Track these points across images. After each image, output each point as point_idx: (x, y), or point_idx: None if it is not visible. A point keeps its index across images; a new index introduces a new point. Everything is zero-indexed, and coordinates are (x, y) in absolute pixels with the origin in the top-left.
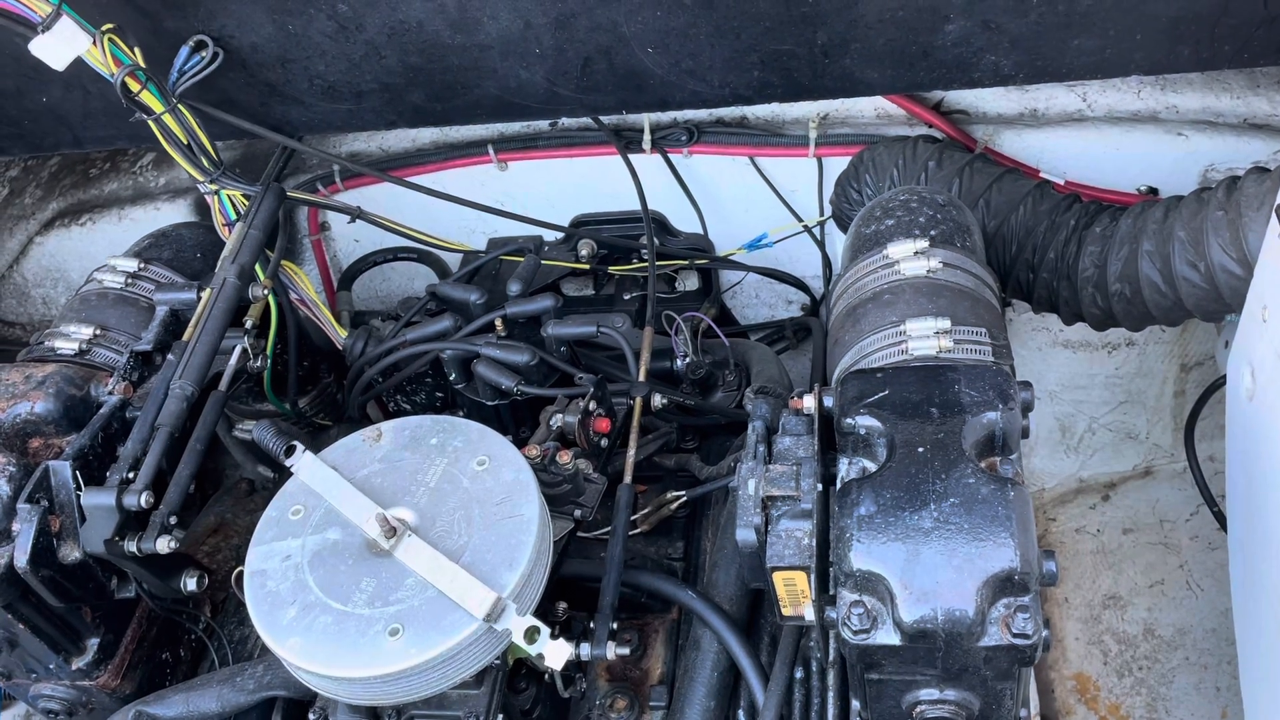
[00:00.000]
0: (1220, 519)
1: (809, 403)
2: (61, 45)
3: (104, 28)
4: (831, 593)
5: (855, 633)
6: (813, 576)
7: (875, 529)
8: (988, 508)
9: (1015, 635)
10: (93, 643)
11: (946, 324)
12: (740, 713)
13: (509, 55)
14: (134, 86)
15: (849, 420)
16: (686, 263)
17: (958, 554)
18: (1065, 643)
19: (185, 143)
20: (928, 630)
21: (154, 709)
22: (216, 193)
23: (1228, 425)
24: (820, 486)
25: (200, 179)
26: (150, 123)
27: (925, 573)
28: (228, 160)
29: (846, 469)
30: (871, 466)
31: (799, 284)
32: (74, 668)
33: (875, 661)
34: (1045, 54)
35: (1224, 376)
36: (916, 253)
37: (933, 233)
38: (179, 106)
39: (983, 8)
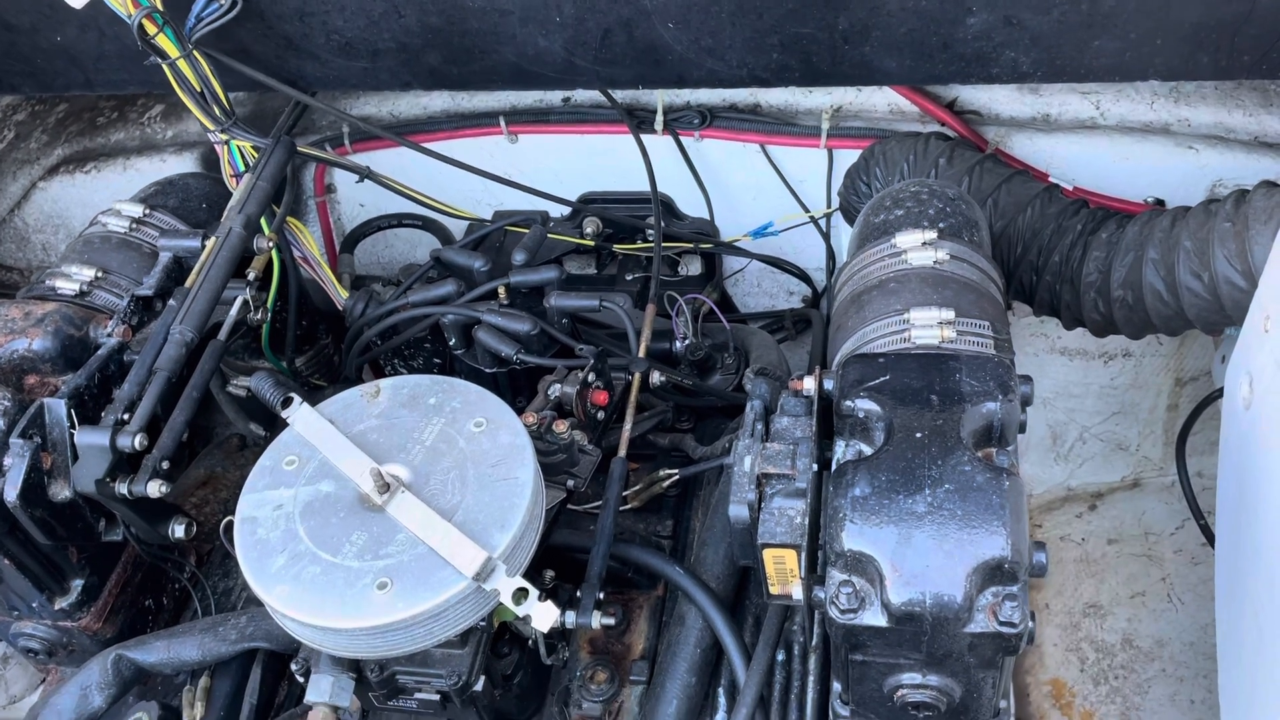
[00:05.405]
0: (1207, 533)
1: (809, 384)
2: None
3: None
4: (821, 574)
5: (843, 612)
6: (803, 556)
7: (869, 510)
8: (982, 495)
9: (1002, 623)
10: (77, 584)
11: (950, 315)
12: (720, 691)
13: (529, 22)
14: (150, 29)
15: (848, 403)
16: (691, 246)
17: (949, 539)
18: (1043, 648)
19: (198, 90)
20: (915, 613)
21: (134, 653)
22: (226, 143)
23: (1222, 435)
24: (815, 467)
25: (211, 128)
26: (164, 67)
27: (916, 556)
28: (237, 115)
29: (843, 451)
30: (868, 450)
31: (802, 275)
32: (57, 608)
33: (860, 642)
34: (1065, 53)
35: (1218, 391)
36: (924, 243)
37: (941, 225)
38: (194, 53)
39: (1005, 3)
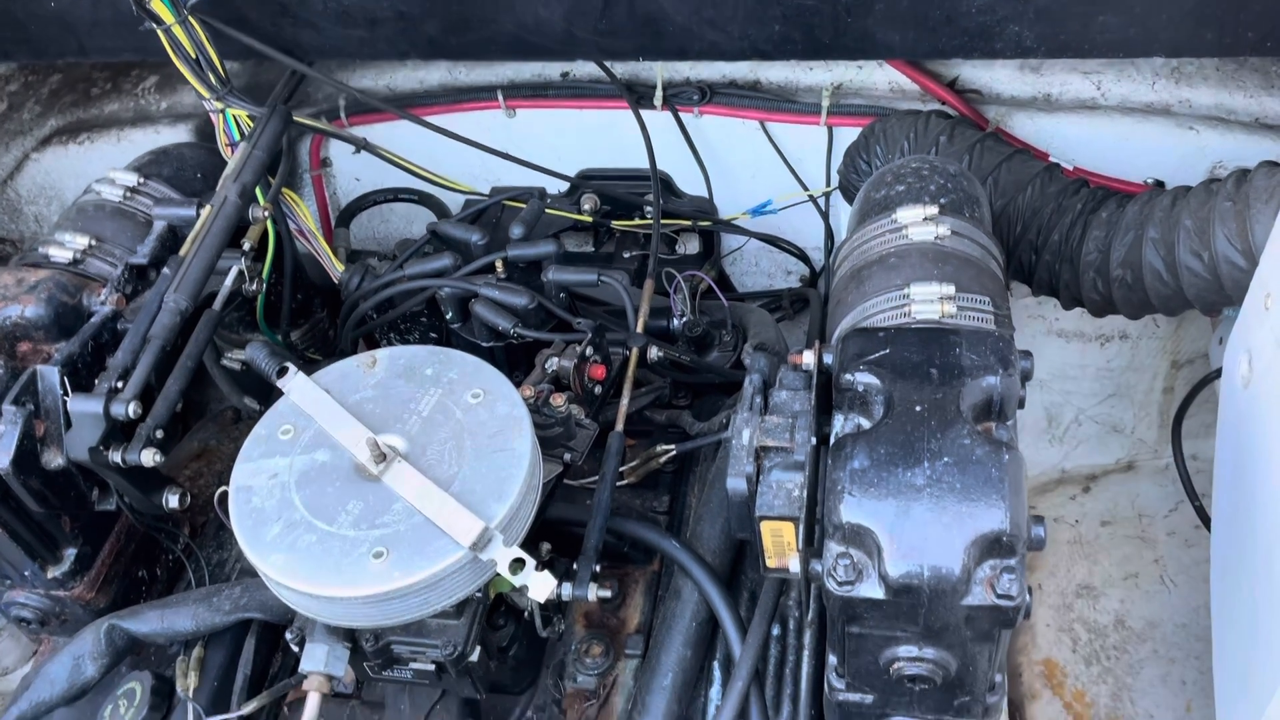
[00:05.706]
0: (1201, 515)
1: (808, 358)
2: None
3: None
4: (818, 547)
5: (840, 584)
6: (800, 529)
7: (867, 483)
8: (981, 469)
9: (999, 596)
10: (70, 553)
11: (951, 290)
12: (715, 664)
13: None
14: None
15: (848, 376)
16: (689, 224)
17: (948, 512)
18: (1036, 629)
19: (194, 57)
20: (913, 585)
21: (128, 623)
22: (222, 111)
23: (1220, 413)
24: (814, 441)
25: (206, 96)
26: (159, 33)
27: (914, 529)
28: (233, 85)
29: (842, 425)
30: (867, 424)
31: (800, 254)
32: (49, 576)
33: (857, 614)
34: (1069, 28)
35: (1215, 373)
36: (926, 219)
37: (943, 200)
38: (190, 19)
39: None
